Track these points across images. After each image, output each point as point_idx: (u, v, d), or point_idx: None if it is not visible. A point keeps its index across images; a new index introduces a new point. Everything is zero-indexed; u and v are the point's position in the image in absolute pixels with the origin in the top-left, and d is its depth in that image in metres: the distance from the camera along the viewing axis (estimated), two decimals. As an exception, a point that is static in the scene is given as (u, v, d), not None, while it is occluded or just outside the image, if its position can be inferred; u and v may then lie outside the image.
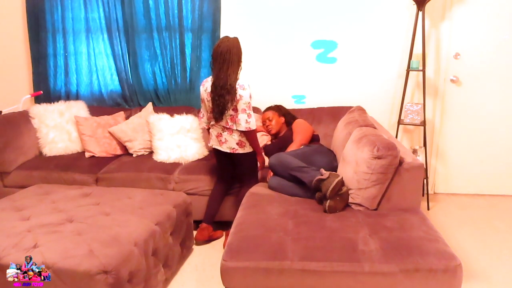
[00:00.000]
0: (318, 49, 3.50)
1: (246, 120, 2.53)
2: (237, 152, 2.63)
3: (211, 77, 2.59)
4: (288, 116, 3.14)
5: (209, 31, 3.51)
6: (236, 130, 2.58)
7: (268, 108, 3.17)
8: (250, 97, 2.54)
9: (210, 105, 2.59)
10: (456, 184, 3.65)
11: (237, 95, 2.49)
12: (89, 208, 2.25)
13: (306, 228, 1.94)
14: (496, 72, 3.38)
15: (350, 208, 2.19)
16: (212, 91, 2.54)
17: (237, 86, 2.49)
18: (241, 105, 2.51)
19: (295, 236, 1.87)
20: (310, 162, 2.52)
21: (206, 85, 2.63)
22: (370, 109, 3.45)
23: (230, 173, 2.82)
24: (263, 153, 2.85)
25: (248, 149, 2.66)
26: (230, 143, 2.62)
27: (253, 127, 2.56)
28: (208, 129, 2.78)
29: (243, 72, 2.62)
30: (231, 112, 2.54)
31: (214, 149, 2.74)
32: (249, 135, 2.60)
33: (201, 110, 2.77)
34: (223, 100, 2.49)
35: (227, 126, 2.59)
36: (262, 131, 3.14)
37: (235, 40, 2.54)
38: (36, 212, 2.20)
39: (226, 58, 2.48)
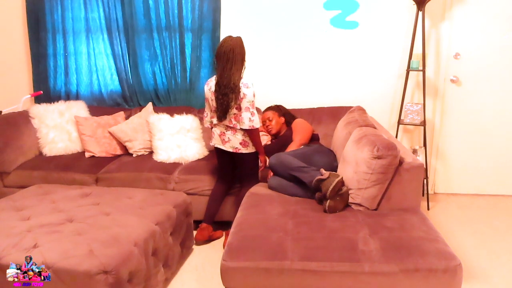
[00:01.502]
0: (319, 48, 3.50)
1: (250, 119, 2.53)
2: (240, 151, 2.63)
3: (215, 76, 2.59)
4: (288, 116, 3.14)
5: (209, 31, 3.51)
6: (240, 129, 2.59)
7: (268, 108, 3.17)
8: (254, 95, 2.55)
9: (214, 104, 2.59)
10: (456, 184, 3.65)
11: (241, 94, 2.50)
12: (89, 208, 2.25)
13: (306, 228, 1.94)
14: (496, 72, 3.38)
15: (350, 208, 2.19)
16: (216, 90, 2.55)
17: (240, 84, 2.50)
18: (244, 104, 2.52)
19: (295, 236, 1.87)
20: (310, 162, 2.52)
21: (210, 84, 2.63)
22: (370, 109, 3.45)
23: (230, 172, 2.82)
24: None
25: (251, 149, 2.66)
26: (233, 143, 2.62)
27: (257, 126, 2.56)
28: (211, 128, 2.78)
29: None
30: (234, 111, 2.54)
31: (216, 148, 2.74)
32: (252, 134, 2.61)
33: (205, 109, 2.77)
34: (227, 98, 2.49)
35: (231, 125, 2.59)
36: (262, 131, 3.14)
37: (238, 39, 2.54)
38: (36, 212, 2.20)
39: (229, 57, 2.48)
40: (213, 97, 2.58)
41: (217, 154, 2.78)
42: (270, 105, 3.22)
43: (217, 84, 2.53)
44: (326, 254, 1.73)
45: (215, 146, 2.72)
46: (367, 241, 1.80)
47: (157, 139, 3.23)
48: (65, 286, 1.70)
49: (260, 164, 2.79)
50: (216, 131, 2.69)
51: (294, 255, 1.73)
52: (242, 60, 2.54)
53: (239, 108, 2.54)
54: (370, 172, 2.07)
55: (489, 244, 2.75)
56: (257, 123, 2.56)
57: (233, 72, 2.49)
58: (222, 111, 2.55)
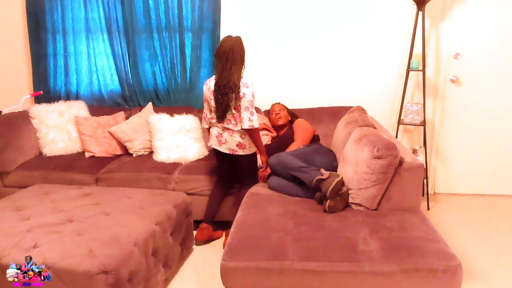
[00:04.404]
0: (319, 48, 3.51)
1: (249, 118, 2.52)
2: (236, 153, 2.63)
3: (214, 76, 2.59)
4: (291, 115, 3.19)
5: (209, 31, 3.51)
6: (237, 131, 2.58)
7: (278, 103, 3.23)
8: (253, 95, 2.54)
9: (213, 103, 2.58)
10: (456, 184, 3.65)
11: (241, 93, 2.49)
12: (89, 208, 2.25)
13: (306, 228, 1.94)
14: (496, 72, 3.38)
15: (350, 208, 2.19)
16: (215, 90, 2.54)
17: (240, 84, 2.50)
18: (244, 103, 2.51)
19: (295, 236, 1.87)
20: (310, 162, 2.53)
21: (209, 84, 2.62)
22: (370, 109, 3.45)
23: (229, 173, 2.82)
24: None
25: (247, 151, 2.65)
26: (230, 144, 2.62)
27: (256, 125, 2.55)
28: (209, 129, 2.77)
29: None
30: (233, 111, 2.54)
31: (214, 149, 2.73)
32: (253, 134, 2.59)
33: (204, 110, 2.76)
34: (227, 98, 2.49)
35: (229, 126, 2.59)
36: (264, 129, 3.15)
37: (238, 39, 2.54)
38: (36, 212, 2.20)
39: (229, 57, 2.48)
40: (212, 97, 2.58)
41: (216, 155, 2.78)
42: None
43: (217, 84, 2.53)
44: (326, 254, 1.73)
45: (212, 147, 2.72)
46: (367, 241, 1.80)
47: (157, 139, 3.23)
48: (65, 286, 1.70)
49: (262, 164, 2.78)
50: (214, 132, 2.68)
51: (294, 255, 1.73)
52: (242, 59, 2.54)
53: (237, 109, 2.54)
54: (370, 172, 2.07)
55: (489, 244, 2.75)
56: (256, 122, 2.55)
57: (233, 72, 2.48)
58: (222, 111, 2.54)
